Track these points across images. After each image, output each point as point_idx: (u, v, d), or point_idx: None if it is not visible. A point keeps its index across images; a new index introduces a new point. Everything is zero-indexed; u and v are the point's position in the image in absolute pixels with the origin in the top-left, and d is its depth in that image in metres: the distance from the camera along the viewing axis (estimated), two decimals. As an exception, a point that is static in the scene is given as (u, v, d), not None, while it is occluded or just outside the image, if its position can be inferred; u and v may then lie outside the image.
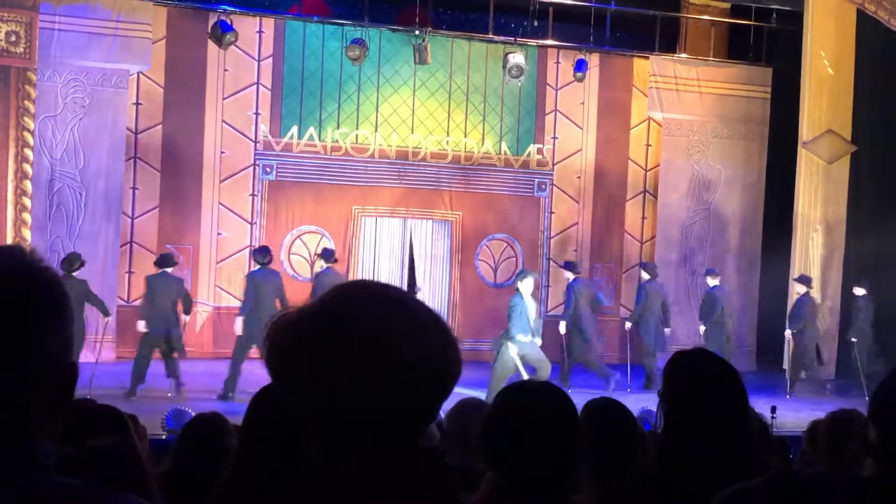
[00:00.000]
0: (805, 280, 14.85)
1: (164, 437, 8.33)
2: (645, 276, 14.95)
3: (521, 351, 12.39)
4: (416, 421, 1.45)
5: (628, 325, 14.84)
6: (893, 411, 1.61)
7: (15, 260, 1.36)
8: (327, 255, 13.61)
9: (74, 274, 12.03)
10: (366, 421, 1.39)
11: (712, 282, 14.92)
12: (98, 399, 4.12)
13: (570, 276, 14.33)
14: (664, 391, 2.83)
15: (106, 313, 12.87)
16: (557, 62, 17.29)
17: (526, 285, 12.60)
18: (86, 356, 12.66)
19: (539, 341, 12.62)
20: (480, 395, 3.13)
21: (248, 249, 15.78)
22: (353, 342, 1.38)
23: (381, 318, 1.41)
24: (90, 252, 14.44)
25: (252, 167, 16.15)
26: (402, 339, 1.40)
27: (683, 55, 17.55)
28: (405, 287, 13.59)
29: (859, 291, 14.90)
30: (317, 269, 13.61)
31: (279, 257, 15.87)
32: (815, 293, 15.55)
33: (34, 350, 1.32)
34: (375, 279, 1.52)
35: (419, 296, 13.23)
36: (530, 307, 12.51)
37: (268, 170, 16.21)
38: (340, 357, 1.38)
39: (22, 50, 14.02)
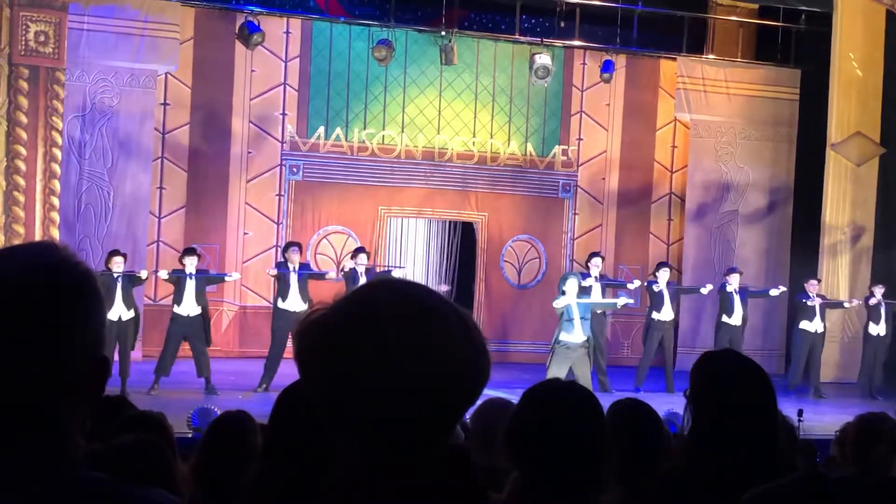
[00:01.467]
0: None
1: (189, 434, 8.37)
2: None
3: (566, 353, 12.14)
4: (442, 423, 1.44)
5: None
6: None
7: (48, 254, 1.37)
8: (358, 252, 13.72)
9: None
10: (391, 422, 1.39)
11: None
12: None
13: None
14: (691, 392, 2.82)
15: None
16: (584, 63, 17.26)
17: (570, 286, 12.32)
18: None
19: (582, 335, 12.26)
20: (504, 395, 3.15)
21: (274, 249, 15.83)
22: (379, 345, 1.37)
23: (408, 320, 1.39)
24: (118, 250, 14.59)
25: (279, 167, 16.20)
26: (429, 342, 1.39)
27: (711, 56, 17.48)
28: (436, 286, 13.68)
29: (879, 290, 14.77)
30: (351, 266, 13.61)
31: (305, 257, 15.93)
32: (843, 296, 15.49)
33: (65, 343, 1.33)
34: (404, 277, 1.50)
35: (443, 292, 13.25)
36: (574, 307, 12.17)
37: (294, 170, 16.26)
38: (365, 358, 1.37)
39: (51, 50, 14.13)
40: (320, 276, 13.48)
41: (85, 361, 1.35)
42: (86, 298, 1.37)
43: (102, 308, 1.41)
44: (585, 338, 12.10)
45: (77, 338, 1.34)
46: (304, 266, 13.33)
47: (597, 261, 14.03)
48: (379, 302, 1.41)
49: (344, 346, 1.38)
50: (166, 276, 12.94)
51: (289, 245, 13.58)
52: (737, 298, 14.49)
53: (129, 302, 12.33)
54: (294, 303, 12.93)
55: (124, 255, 12.58)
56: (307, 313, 1.46)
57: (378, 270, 14.06)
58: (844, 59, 15.83)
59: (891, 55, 15.89)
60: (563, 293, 12.21)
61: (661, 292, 14.21)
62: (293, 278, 12.99)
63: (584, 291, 12.90)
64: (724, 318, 14.52)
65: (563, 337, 12.06)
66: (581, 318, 12.04)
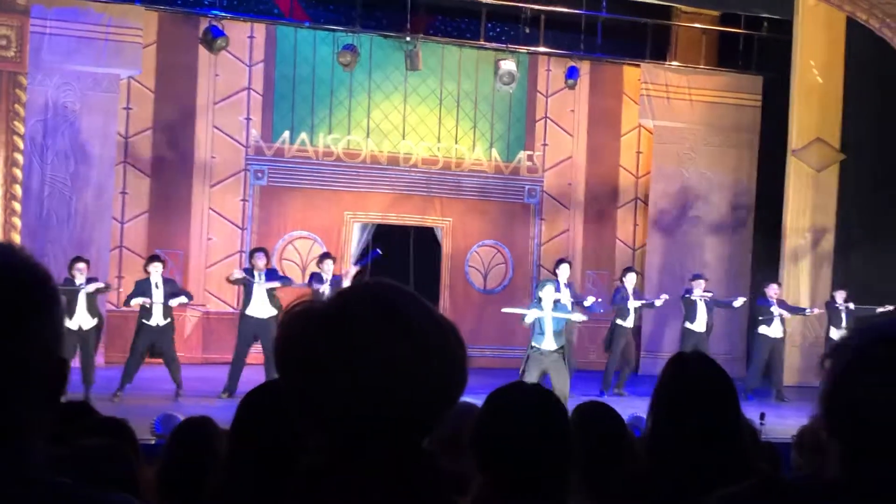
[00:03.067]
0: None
1: (153, 441, 8.30)
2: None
3: (539, 359, 12.07)
4: (414, 425, 1.45)
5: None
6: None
7: (5, 256, 1.36)
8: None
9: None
10: (361, 418, 1.40)
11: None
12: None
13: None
14: (656, 392, 2.84)
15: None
16: (548, 69, 17.32)
17: (546, 293, 12.27)
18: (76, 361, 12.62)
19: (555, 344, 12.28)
20: (470, 400, 3.14)
21: (238, 255, 15.76)
22: (355, 342, 1.39)
23: (383, 321, 1.41)
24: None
25: (243, 172, 16.14)
26: (405, 344, 1.41)
27: (674, 63, 17.60)
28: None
29: (840, 296, 14.89)
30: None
31: (271, 263, 15.89)
32: (803, 300, 15.62)
33: (24, 344, 1.31)
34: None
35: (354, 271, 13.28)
36: (547, 315, 12.12)
37: (259, 175, 16.20)
38: (340, 352, 1.39)
39: (13, 54, 13.99)
40: (287, 281, 13.33)
41: (44, 362, 1.34)
42: (45, 299, 1.36)
43: (61, 309, 1.40)
44: (559, 346, 12.04)
45: (36, 338, 1.33)
46: (270, 272, 13.24)
47: (564, 267, 13.98)
48: (362, 301, 1.44)
49: (321, 338, 1.40)
50: (139, 302, 12.69)
51: (254, 251, 13.50)
52: (701, 305, 14.55)
53: (93, 310, 12.19)
54: (258, 308, 12.86)
55: (87, 262, 12.46)
56: (292, 304, 1.48)
57: (344, 273, 13.98)
58: (805, 66, 15.99)
59: (851, 62, 16.07)
60: (540, 300, 12.20)
61: (695, 302, 14.56)
62: (257, 284, 12.92)
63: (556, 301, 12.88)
64: (688, 325, 14.57)
65: (536, 343, 12.03)
66: (554, 331, 12.00)
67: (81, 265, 12.23)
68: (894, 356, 1.56)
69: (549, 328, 11.95)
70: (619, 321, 14.40)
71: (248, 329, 12.81)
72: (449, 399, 1.47)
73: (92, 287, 12.15)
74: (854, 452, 1.55)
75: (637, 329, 15.76)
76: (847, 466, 1.56)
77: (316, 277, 13.41)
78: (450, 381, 1.46)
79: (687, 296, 14.69)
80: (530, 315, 12.04)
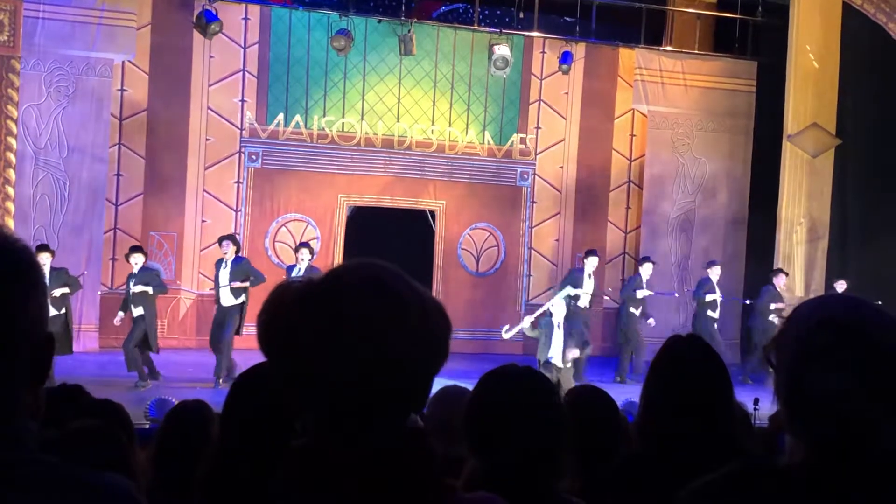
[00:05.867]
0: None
1: (147, 425, 8.32)
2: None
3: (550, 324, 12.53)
4: (401, 402, 1.46)
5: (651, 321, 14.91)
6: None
7: None
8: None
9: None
10: (348, 399, 1.41)
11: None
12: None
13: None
14: (649, 375, 2.84)
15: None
16: (543, 52, 17.28)
17: (557, 309, 12.69)
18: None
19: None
20: (461, 383, 3.15)
21: (232, 237, 15.73)
22: (336, 321, 1.41)
23: (367, 301, 1.42)
24: (75, 241, 14.44)
25: (237, 154, 16.11)
26: (387, 326, 1.42)
27: (669, 48, 17.56)
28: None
29: (840, 286, 14.93)
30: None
31: (263, 245, 15.88)
32: (799, 286, 15.64)
33: (11, 322, 1.32)
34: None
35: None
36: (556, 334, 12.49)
37: (253, 157, 16.18)
38: (319, 323, 1.41)
39: (6, 38, 13.95)
40: (255, 280, 13.01)
41: (30, 339, 1.35)
42: (30, 276, 1.37)
43: (45, 287, 1.41)
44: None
45: (23, 316, 1.34)
46: (237, 259, 13.10)
47: (593, 259, 14.50)
48: (349, 276, 1.47)
49: (302, 311, 1.42)
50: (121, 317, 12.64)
51: (222, 238, 13.31)
52: (718, 291, 14.87)
53: (56, 303, 11.75)
54: (225, 297, 12.85)
55: (52, 252, 12.13)
56: (274, 288, 1.51)
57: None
58: (801, 52, 15.95)
59: (847, 47, 16.04)
60: (551, 315, 12.54)
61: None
62: (224, 273, 12.87)
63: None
64: (709, 312, 14.88)
65: (541, 357, 12.29)
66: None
67: (45, 255, 11.73)
68: (836, 341, 1.56)
69: (556, 342, 12.31)
70: (631, 309, 14.77)
71: (217, 316, 12.95)
72: (428, 374, 1.49)
73: (58, 292, 11.84)
74: (816, 440, 1.56)
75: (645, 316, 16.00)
76: (811, 453, 1.56)
77: (289, 271, 13.28)
78: (432, 355, 1.48)
79: (708, 283, 15.01)
80: (555, 314, 12.38)
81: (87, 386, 4.26)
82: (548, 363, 12.05)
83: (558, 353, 12.21)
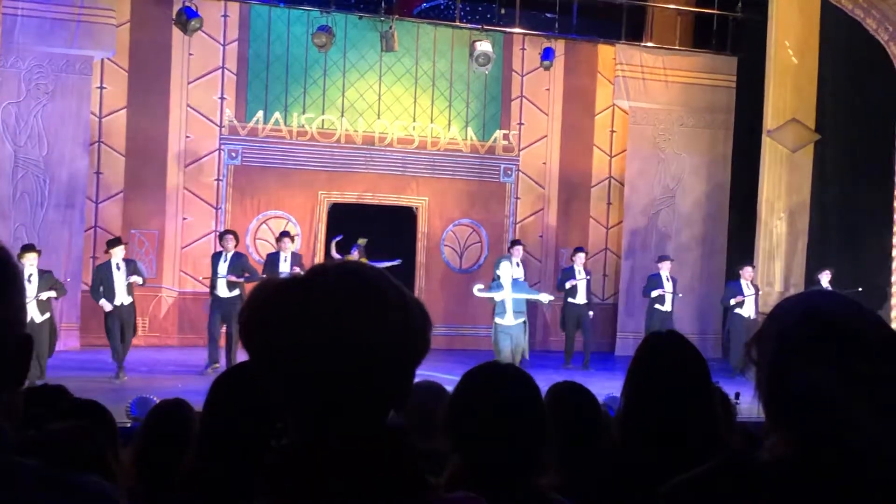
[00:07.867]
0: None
1: (128, 424, 8.28)
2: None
3: (507, 333, 13.01)
4: (382, 398, 1.46)
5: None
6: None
7: None
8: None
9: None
10: (329, 395, 1.41)
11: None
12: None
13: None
14: (630, 371, 2.86)
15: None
16: (523, 48, 17.29)
17: (503, 270, 13.22)
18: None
19: (516, 321, 13.03)
20: (446, 378, 3.15)
21: (213, 234, 15.70)
22: (315, 314, 1.41)
23: (347, 295, 1.43)
24: (55, 239, 14.36)
25: (217, 152, 16.06)
26: (366, 319, 1.42)
27: (649, 44, 17.60)
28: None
29: (824, 278, 14.97)
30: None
31: (244, 242, 15.84)
32: (779, 280, 15.69)
33: None
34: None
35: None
36: (507, 295, 13.02)
37: (233, 154, 16.13)
38: (303, 328, 1.41)
39: (-16, 35, 13.87)
40: (252, 278, 13.12)
41: (7, 339, 1.33)
42: (6, 275, 1.35)
43: (23, 286, 1.40)
44: (520, 321, 13.07)
45: (2, 314, 1.32)
46: (236, 255, 13.22)
47: (580, 256, 15.01)
48: (330, 272, 1.48)
49: (282, 305, 1.43)
50: (109, 308, 12.55)
51: (224, 233, 13.58)
52: (668, 286, 14.83)
53: (43, 307, 11.74)
54: (222, 288, 13.03)
55: (38, 252, 12.02)
56: (255, 285, 1.52)
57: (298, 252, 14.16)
58: (780, 47, 16.00)
59: (826, 42, 16.10)
60: (498, 277, 13.13)
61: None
62: (222, 266, 13.02)
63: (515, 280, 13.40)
64: (657, 305, 14.84)
65: (499, 320, 12.99)
66: (514, 310, 12.99)
67: (32, 255, 11.67)
68: (818, 336, 1.56)
69: (509, 306, 12.90)
70: (569, 299, 15.03)
71: (215, 310, 13.06)
72: (408, 368, 1.50)
73: (44, 295, 11.74)
74: (799, 434, 1.56)
75: (613, 308, 16.15)
76: (794, 448, 1.57)
77: (270, 259, 13.45)
78: (412, 349, 1.49)
79: (656, 277, 15.04)
80: (498, 296, 12.78)
81: (68, 384, 4.24)
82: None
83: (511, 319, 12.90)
